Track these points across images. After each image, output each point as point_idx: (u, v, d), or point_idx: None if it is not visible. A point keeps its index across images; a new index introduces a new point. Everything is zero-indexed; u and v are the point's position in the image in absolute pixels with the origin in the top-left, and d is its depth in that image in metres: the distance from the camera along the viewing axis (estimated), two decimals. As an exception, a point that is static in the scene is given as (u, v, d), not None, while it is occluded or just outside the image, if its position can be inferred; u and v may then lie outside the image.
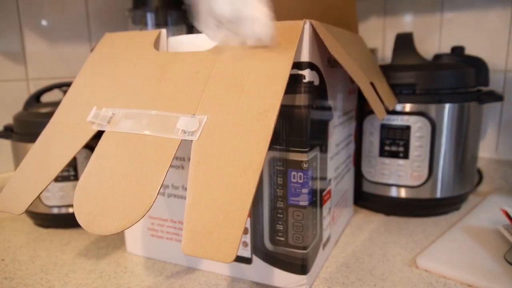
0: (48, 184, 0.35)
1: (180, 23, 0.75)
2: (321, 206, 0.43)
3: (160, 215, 0.47)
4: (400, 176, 0.58)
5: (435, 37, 0.74)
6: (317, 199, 0.42)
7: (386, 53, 0.80)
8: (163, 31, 0.43)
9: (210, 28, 0.36)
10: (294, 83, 0.37)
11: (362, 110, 0.59)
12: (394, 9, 0.77)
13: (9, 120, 0.72)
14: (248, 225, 0.42)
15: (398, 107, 0.57)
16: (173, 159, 0.33)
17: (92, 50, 0.45)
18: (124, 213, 0.31)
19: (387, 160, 0.58)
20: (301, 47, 0.36)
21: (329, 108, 0.44)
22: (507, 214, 0.49)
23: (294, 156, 0.38)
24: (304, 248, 0.40)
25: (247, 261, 0.43)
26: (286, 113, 0.38)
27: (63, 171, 0.53)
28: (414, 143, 0.57)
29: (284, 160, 0.39)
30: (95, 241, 0.54)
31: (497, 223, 0.53)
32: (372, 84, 0.46)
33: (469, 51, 0.71)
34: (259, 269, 0.42)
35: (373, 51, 0.79)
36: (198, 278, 0.44)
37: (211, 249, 0.28)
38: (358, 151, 0.61)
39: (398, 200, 0.59)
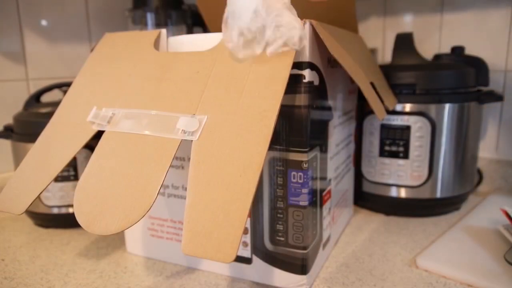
0: (48, 184, 0.35)
1: (180, 23, 0.75)
2: (321, 206, 0.43)
3: (160, 215, 0.47)
4: (400, 176, 0.58)
5: (435, 37, 0.74)
6: (317, 199, 0.42)
7: (386, 53, 0.80)
8: (163, 31, 0.43)
9: (238, 40, 0.35)
10: (294, 83, 0.37)
11: (362, 110, 0.59)
12: (394, 9, 0.77)
13: (9, 120, 0.72)
14: (248, 225, 0.42)
15: (398, 107, 0.57)
16: (173, 159, 0.33)
17: (92, 50, 0.45)
18: (124, 213, 0.31)
19: (387, 160, 0.58)
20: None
21: (329, 108, 0.44)
22: (507, 214, 0.49)
23: (294, 156, 0.38)
24: (304, 248, 0.40)
25: (247, 261, 0.43)
26: (286, 113, 0.38)
27: (63, 171, 0.53)
28: (414, 143, 0.57)
29: (284, 160, 0.39)
30: (95, 241, 0.54)
31: (497, 223, 0.53)
32: (372, 84, 0.46)
33: (469, 51, 0.71)
34: (259, 269, 0.42)
35: (373, 51, 0.79)
36: (198, 278, 0.44)
37: (211, 249, 0.28)
38: (358, 151, 0.61)
39: (398, 200, 0.59)
